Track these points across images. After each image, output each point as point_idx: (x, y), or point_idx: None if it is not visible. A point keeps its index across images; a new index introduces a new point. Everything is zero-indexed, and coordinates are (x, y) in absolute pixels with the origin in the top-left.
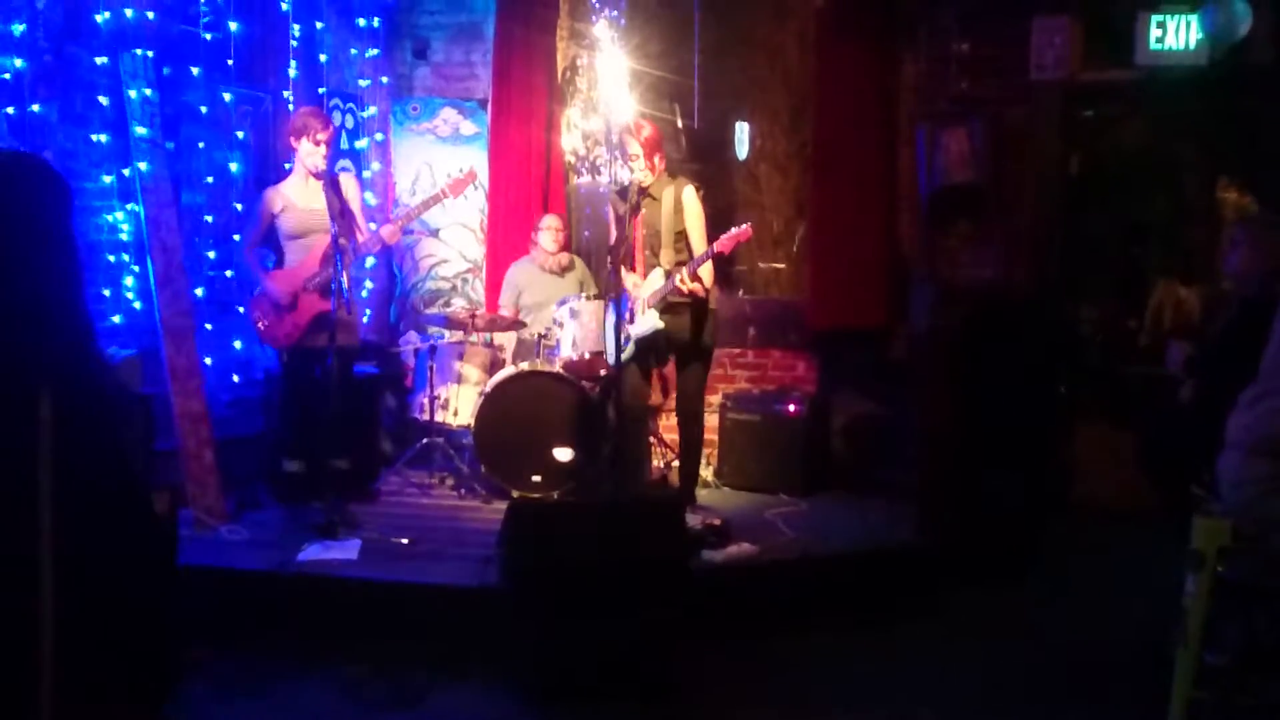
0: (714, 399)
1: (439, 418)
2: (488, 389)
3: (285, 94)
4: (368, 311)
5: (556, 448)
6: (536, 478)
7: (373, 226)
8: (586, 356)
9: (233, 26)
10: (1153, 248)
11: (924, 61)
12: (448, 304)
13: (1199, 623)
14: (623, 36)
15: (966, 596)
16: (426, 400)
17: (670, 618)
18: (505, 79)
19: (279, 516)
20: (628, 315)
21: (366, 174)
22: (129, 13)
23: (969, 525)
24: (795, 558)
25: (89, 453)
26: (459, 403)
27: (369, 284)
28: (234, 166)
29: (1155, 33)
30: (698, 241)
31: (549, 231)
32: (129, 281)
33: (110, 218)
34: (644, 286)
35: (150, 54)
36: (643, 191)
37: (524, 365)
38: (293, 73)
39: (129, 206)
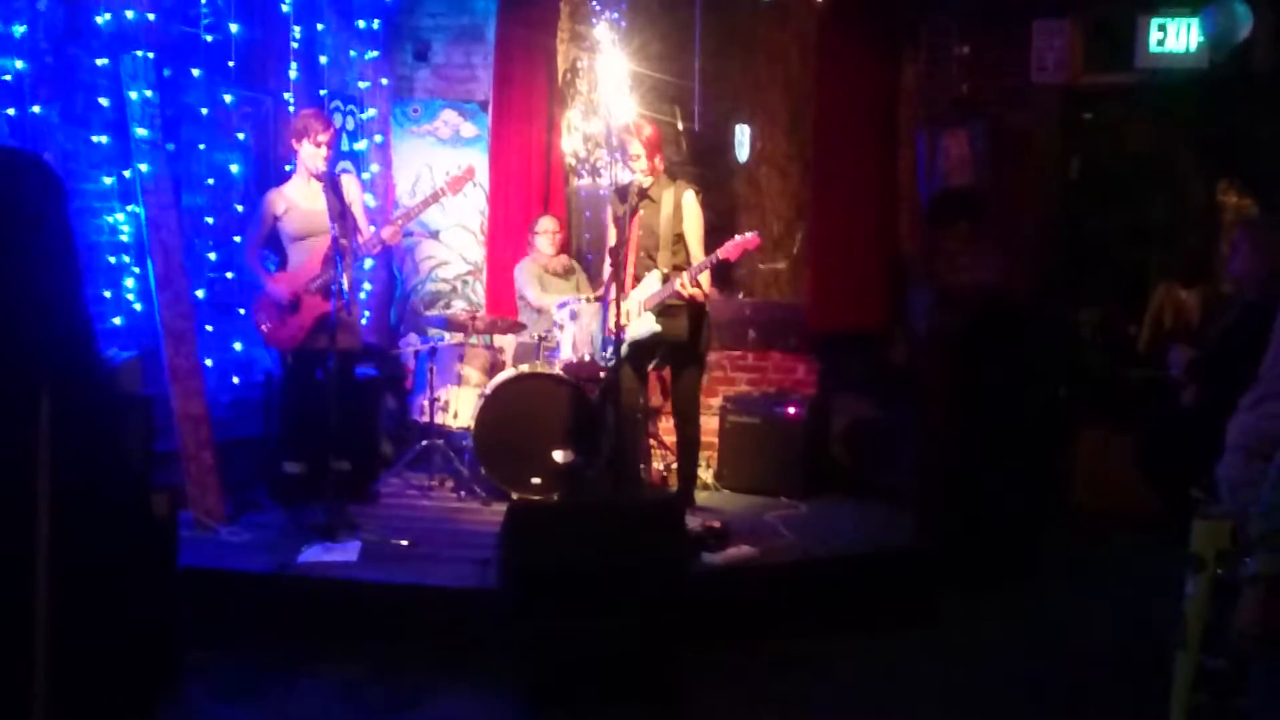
0: (714, 401)
1: (439, 420)
2: (488, 391)
3: (286, 96)
4: (366, 313)
5: (556, 450)
6: (536, 480)
7: (372, 229)
8: (586, 359)
9: (233, 28)
10: (1153, 251)
11: (924, 64)
12: (448, 306)
13: (1198, 626)
14: (623, 39)
15: (966, 600)
16: (426, 402)
17: (669, 620)
18: (506, 81)
19: (279, 518)
20: (624, 317)
21: (366, 175)
22: (130, 14)
23: (969, 528)
24: (795, 560)
25: (88, 454)
26: (459, 405)
27: (368, 285)
28: (234, 168)
29: (1156, 36)
30: (696, 246)
31: (545, 235)
32: (129, 283)
33: (111, 219)
34: (640, 289)
35: (151, 55)
36: (642, 193)
37: (524, 367)
38: (293, 74)
39: (129, 208)
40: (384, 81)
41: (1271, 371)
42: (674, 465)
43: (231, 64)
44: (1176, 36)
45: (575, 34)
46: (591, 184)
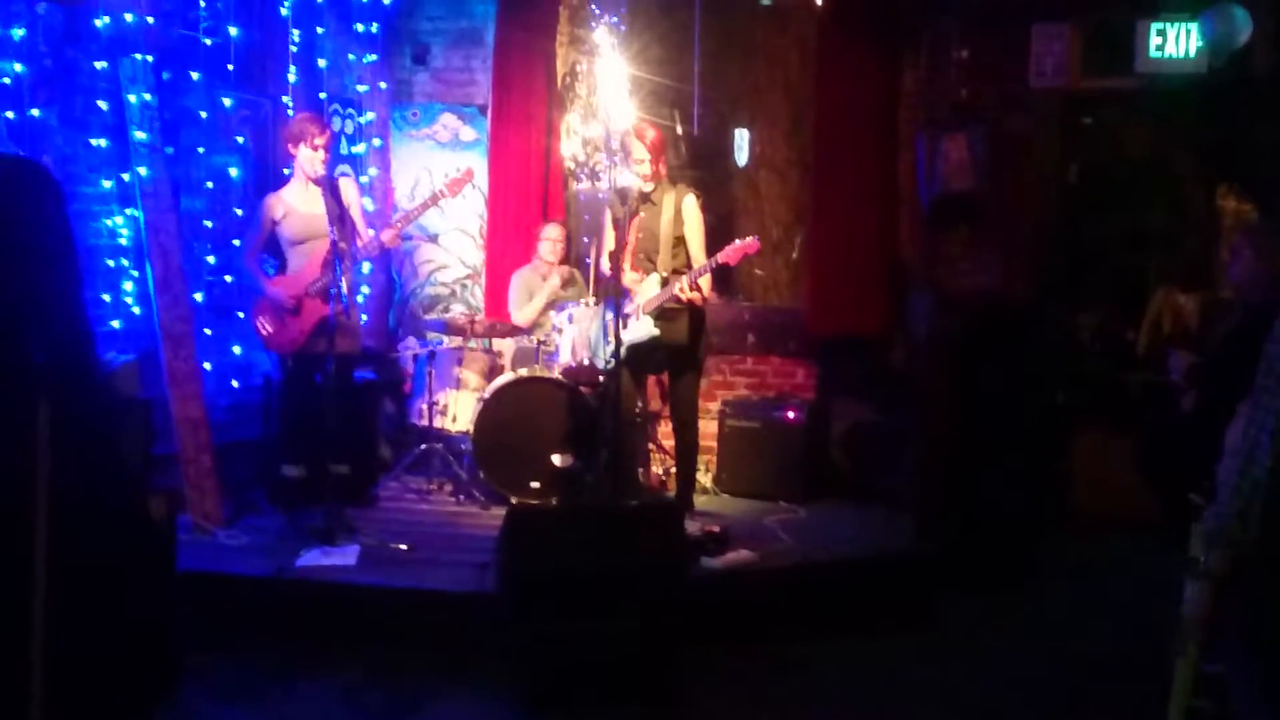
0: (713, 406)
1: (438, 423)
2: (486, 395)
3: (285, 99)
4: (363, 316)
5: (555, 454)
6: (535, 483)
7: (371, 233)
8: (585, 363)
9: (232, 32)
10: (1152, 255)
11: (924, 68)
12: (447, 309)
13: (1197, 631)
14: (623, 42)
15: (965, 604)
16: (425, 406)
17: (668, 624)
18: (505, 85)
19: (277, 522)
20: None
21: (365, 179)
22: (129, 17)
23: (968, 532)
24: (794, 564)
25: (86, 457)
26: (458, 408)
27: (366, 289)
28: (233, 171)
29: (1155, 40)
30: (697, 250)
31: (547, 242)
32: (128, 286)
33: (109, 222)
34: (639, 293)
35: (150, 59)
36: (642, 197)
37: (523, 371)
38: (292, 78)
39: (128, 211)
40: (383, 85)
41: (1260, 383)
42: (673, 469)
43: (231, 67)
44: (1176, 41)
45: (574, 38)
46: (591, 188)
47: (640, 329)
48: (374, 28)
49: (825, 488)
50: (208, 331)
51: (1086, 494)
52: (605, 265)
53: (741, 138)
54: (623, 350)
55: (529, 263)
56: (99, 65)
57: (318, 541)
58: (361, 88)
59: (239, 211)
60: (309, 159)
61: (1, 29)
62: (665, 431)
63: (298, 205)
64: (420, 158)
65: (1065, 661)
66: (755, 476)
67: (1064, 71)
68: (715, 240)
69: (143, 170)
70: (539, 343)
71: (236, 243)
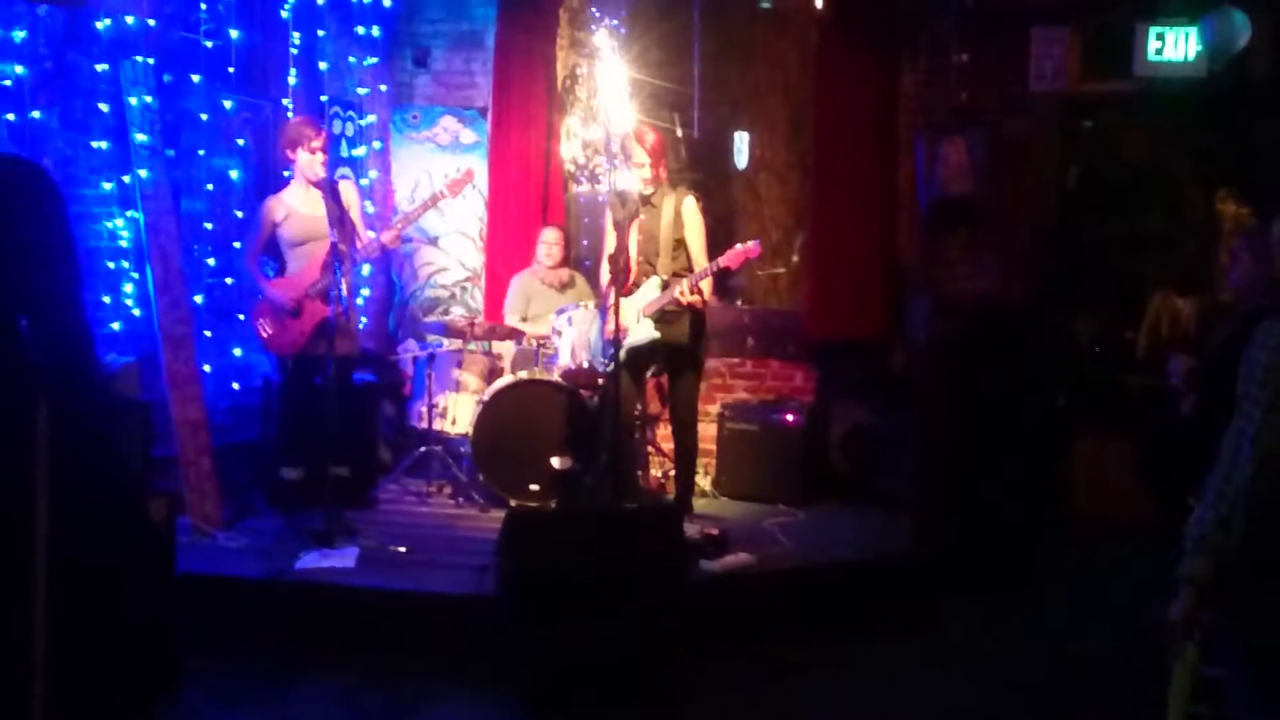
0: (712, 408)
1: (437, 426)
2: (486, 397)
3: (285, 102)
4: (363, 319)
5: (554, 456)
6: (534, 486)
7: (371, 235)
8: (585, 365)
9: (233, 34)
10: (1151, 259)
11: (923, 72)
12: (446, 312)
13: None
14: (623, 45)
15: (964, 607)
16: (425, 408)
17: (667, 626)
18: (505, 87)
19: (277, 524)
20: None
21: (365, 182)
22: (130, 20)
23: (967, 536)
24: (793, 567)
25: (85, 460)
26: (457, 411)
27: (366, 291)
28: (234, 174)
29: (1154, 44)
30: (698, 253)
31: (544, 245)
32: (128, 288)
33: (110, 224)
34: (639, 295)
35: (151, 61)
36: (642, 199)
37: (522, 374)
38: (292, 80)
39: (129, 213)
40: (383, 88)
41: (1241, 389)
42: (672, 472)
43: (231, 70)
44: (1175, 45)
45: (575, 40)
46: (590, 191)
47: (640, 332)
48: (375, 31)
49: (824, 491)
50: (208, 334)
51: (1086, 497)
52: (604, 269)
53: (741, 140)
54: (622, 353)
55: (528, 266)
56: (100, 67)
57: (317, 544)
58: (362, 90)
59: (239, 214)
60: (308, 163)
61: (3, 31)
62: (664, 434)
63: (298, 207)
64: (420, 160)
65: (1064, 665)
66: (754, 479)
67: (1063, 75)
68: (715, 243)
69: (143, 172)
70: (539, 345)
71: (237, 245)
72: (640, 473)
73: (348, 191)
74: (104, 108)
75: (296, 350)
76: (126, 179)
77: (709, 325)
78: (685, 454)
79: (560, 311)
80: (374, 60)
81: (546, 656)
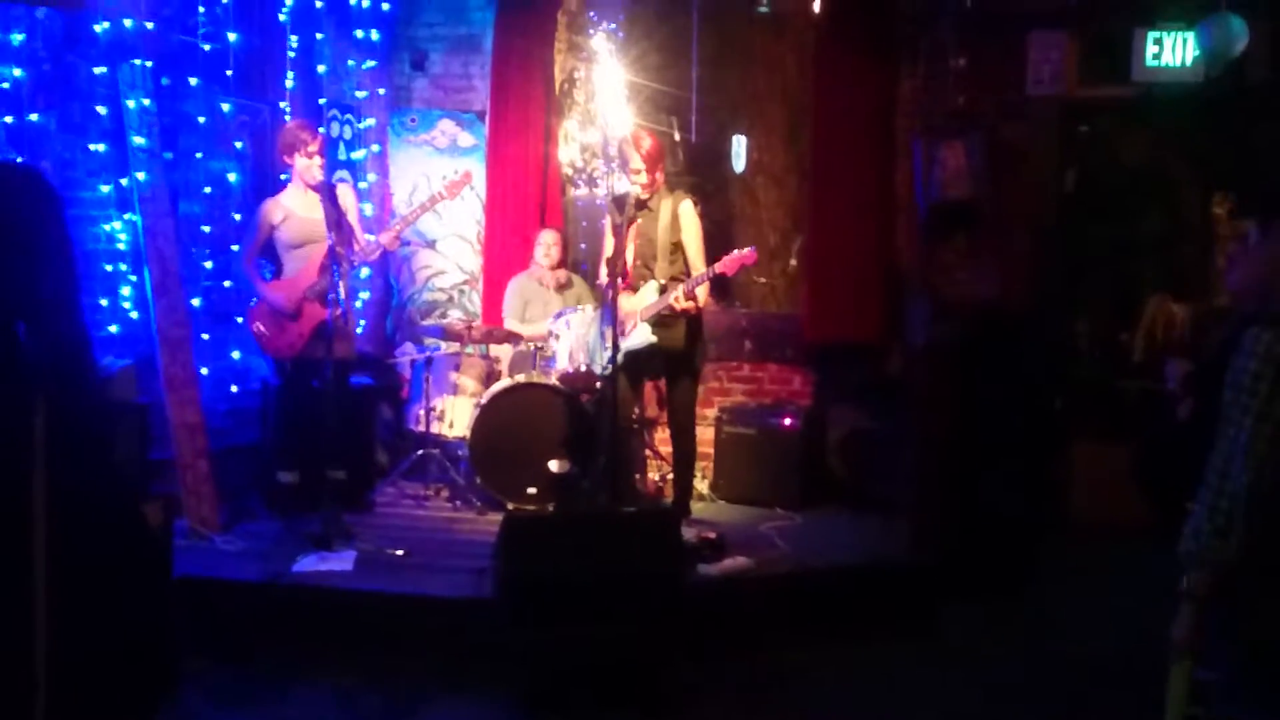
0: (710, 412)
1: (435, 429)
2: (483, 401)
3: (283, 105)
4: (361, 322)
5: (552, 460)
6: (532, 489)
7: (370, 237)
8: (582, 369)
9: (231, 37)
10: (1149, 263)
11: (921, 76)
12: (444, 315)
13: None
14: (621, 49)
15: (963, 610)
16: (422, 411)
17: (665, 630)
18: (503, 91)
19: (274, 527)
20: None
21: (363, 185)
22: (128, 23)
23: (965, 540)
24: (790, 571)
25: (83, 462)
26: (455, 414)
27: (365, 294)
28: (232, 177)
29: (1152, 49)
30: (695, 256)
31: (542, 247)
32: (126, 291)
33: (108, 227)
34: (637, 299)
35: (149, 64)
36: (639, 203)
37: (520, 377)
38: (290, 84)
39: (126, 216)
40: (381, 91)
41: (1229, 397)
42: (669, 476)
43: (229, 73)
44: (1172, 50)
45: (573, 44)
46: (588, 194)
47: (638, 336)
48: (373, 34)
49: (822, 494)
50: (205, 336)
51: (1084, 500)
52: (603, 272)
53: (739, 144)
54: (620, 356)
55: (526, 269)
56: (98, 70)
57: (314, 547)
58: (361, 93)
59: (237, 216)
60: (305, 167)
61: (1, 34)
62: (662, 438)
63: (296, 209)
64: (418, 164)
65: (1064, 667)
66: (752, 483)
67: (1061, 80)
68: (713, 247)
69: (141, 175)
70: (536, 349)
71: (235, 248)
72: (638, 476)
73: (345, 195)
74: (102, 110)
75: (295, 353)
76: (124, 182)
77: (707, 329)
78: (683, 458)
79: (558, 315)
80: (372, 63)
81: (544, 660)
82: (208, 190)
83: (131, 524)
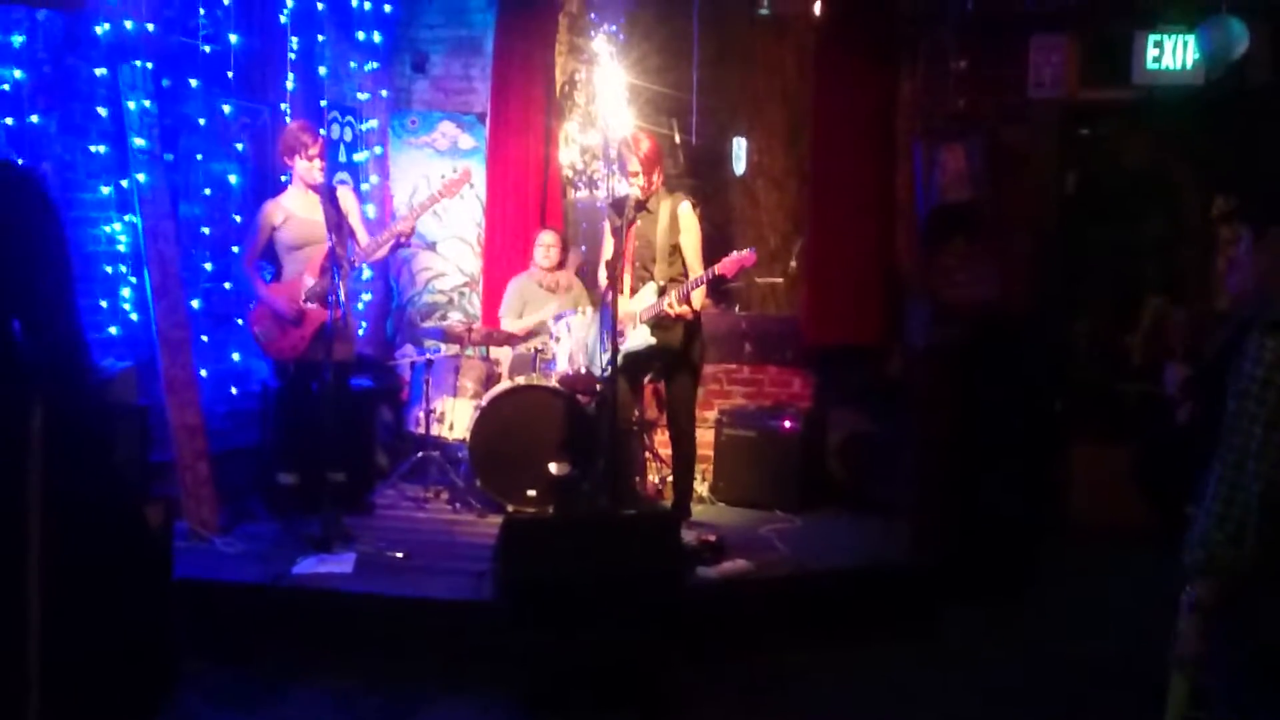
0: (710, 415)
1: (434, 431)
2: (483, 403)
3: (284, 107)
4: (362, 324)
5: (551, 462)
6: (532, 492)
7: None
8: (582, 371)
9: (232, 39)
10: (1149, 266)
11: (922, 79)
12: (444, 317)
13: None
14: (621, 51)
15: (963, 613)
16: (422, 414)
17: (665, 632)
18: (504, 93)
19: (274, 529)
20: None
21: (365, 187)
22: (129, 25)
23: (965, 542)
24: (790, 574)
25: (80, 465)
26: (454, 416)
27: (366, 296)
28: (232, 178)
29: (1152, 52)
30: (693, 258)
31: (542, 248)
32: (126, 293)
33: (108, 229)
34: (636, 301)
35: (149, 66)
36: (638, 205)
37: (520, 379)
38: (291, 85)
39: (127, 218)
40: (383, 93)
41: (1235, 405)
42: (669, 478)
43: (230, 75)
44: (1173, 53)
45: (573, 46)
46: (589, 196)
47: (637, 338)
48: (374, 36)
49: (822, 497)
50: (205, 338)
51: (1084, 502)
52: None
53: (739, 147)
54: (620, 360)
55: (525, 270)
56: (99, 72)
57: (314, 549)
58: (362, 95)
59: (237, 218)
60: (307, 169)
61: (1, 36)
62: (662, 440)
63: (297, 211)
64: (419, 165)
65: (1064, 669)
66: (752, 486)
67: (1062, 82)
68: (712, 249)
69: (141, 177)
70: (536, 351)
71: (235, 249)
72: (638, 479)
73: (345, 197)
74: (102, 112)
75: (297, 355)
76: (124, 183)
77: (706, 331)
78: (683, 460)
79: (558, 317)
80: (373, 65)
81: (544, 662)
82: (208, 192)
83: (131, 525)
